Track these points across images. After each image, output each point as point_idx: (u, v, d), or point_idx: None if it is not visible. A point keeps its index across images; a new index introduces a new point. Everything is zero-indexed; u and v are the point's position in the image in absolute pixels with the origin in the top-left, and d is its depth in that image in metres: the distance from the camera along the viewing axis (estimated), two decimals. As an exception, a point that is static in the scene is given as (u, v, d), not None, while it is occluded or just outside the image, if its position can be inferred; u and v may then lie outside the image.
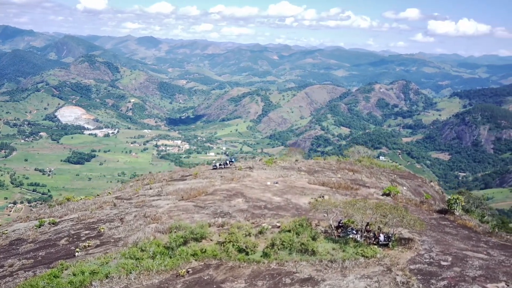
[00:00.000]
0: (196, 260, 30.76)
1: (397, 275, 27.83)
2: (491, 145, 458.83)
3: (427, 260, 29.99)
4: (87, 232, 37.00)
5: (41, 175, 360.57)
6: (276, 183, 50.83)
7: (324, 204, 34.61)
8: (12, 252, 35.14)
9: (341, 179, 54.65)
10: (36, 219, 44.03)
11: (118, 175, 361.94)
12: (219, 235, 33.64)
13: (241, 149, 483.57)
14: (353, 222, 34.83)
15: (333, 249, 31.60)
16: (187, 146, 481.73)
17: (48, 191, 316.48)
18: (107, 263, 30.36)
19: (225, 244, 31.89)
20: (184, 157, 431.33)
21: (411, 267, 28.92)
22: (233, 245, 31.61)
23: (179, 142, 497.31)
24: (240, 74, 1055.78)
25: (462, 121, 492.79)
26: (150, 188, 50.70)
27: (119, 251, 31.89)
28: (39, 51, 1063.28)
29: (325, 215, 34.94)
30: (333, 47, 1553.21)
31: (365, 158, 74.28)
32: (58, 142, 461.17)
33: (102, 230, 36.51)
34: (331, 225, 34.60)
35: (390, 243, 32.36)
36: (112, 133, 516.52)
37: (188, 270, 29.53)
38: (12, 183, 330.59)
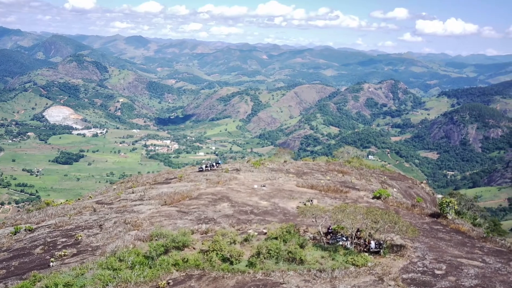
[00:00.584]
0: (177, 270, 29.06)
1: (389, 285, 26.40)
2: (479, 144, 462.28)
3: (420, 268, 28.61)
4: (64, 240, 35.07)
5: (29, 176, 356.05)
6: (264, 186, 49.22)
7: (312, 210, 33.08)
8: (-17, 262, 33.12)
9: (330, 182, 53.21)
10: (12, 226, 41.96)
11: (107, 175, 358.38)
12: (202, 243, 31.96)
13: (230, 148, 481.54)
14: (342, 228, 33.37)
15: (322, 257, 30.11)
16: (176, 146, 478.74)
17: (36, 191, 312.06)
18: (82, 274, 28.54)
19: (208, 252, 30.24)
20: (174, 157, 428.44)
21: (404, 276, 27.52)
22: (217, 254, 29.97)
23: (168, 142, 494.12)
24: (230, 74, 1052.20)
25: (450, 120, 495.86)
26: (133, 192, 48.79)
27: (96, 261, 30.09)
28: (26, 51, 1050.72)
29: (314, 220, 33.43)
30: (322, 47, 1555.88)
31: (355, 158, 73.00)
32: (46, 142, 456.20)
33: (80, 237, 34.63)
34: (320, 232, 33.10)
35: (381, 250, 30.95)
36: (101, 133, 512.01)
37: (169, 281, 27.84)
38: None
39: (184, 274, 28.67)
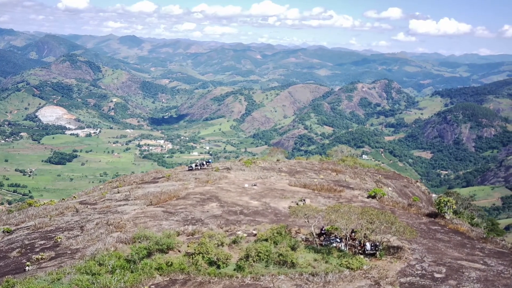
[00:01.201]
0: (160, 274, 27.24)
1: (386, 290, 24.77)
2: (472, 143, 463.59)
3: (419, 272, 26.98)
4: (42, 242, 33.17)
5: (22, 176, 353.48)
6: (255, 185, 47.46)
7: (305, 209, 31.33)
8: (-44, 267, 31.16)
9: (323, 181, 51.54)
10: (-9, 227, 39.92)
11: (100, 176, 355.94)
12: (188, 246, 30.15)
13: (224, 148, 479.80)
14: (336, 229, 31.69)
15: (315, 260, 28.42)
16: (170, 146, 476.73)
17: (29, 192, 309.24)
18: (59, 279, 26.63)
19: (194, 255, 28.43)
20: (167, 157, 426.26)
21: (402, 280, 25.88)
22: (203, 257, 28.18)
23: (162, 141, 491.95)
24: (223, 73, 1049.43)
25: (443, 120, 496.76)
26: (118, 192, 46.88)
27: (74, 264, 28.19)
28: (19, 51, 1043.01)
29: (306, 221, 31.71)
30: (316, 47, 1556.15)
31: (349, 157, 71.44)
32: (39, 142, 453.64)
33: (59, 240, 32.74)
34: (312, 233, 31.40)
35: (377, 252, 29.30)
36: (94, 133, 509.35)
37: (151, 286, 26.03)
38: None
39: (168, 278, 26.87)
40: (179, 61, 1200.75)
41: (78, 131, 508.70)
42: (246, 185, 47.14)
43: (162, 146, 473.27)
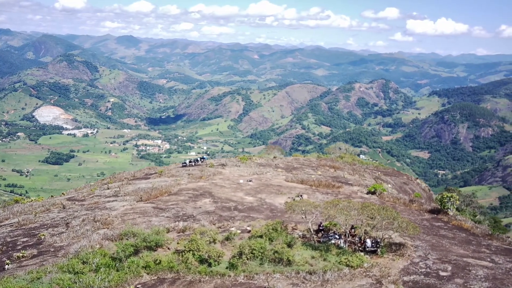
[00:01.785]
0: (148, 273, 25.54)
1: (389, 289, 23.15)
2: (469, 143, 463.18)
3: (423, 269, 25.36)
4: (25, 239, 31.41)
5: (19, 176, 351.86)
6: (250, 181, 45.79)
7: (302, 204, 29.64)
8: None
9: (321, 177, 49.92)
10: (-26, 225, 38.13)
11: (97, 176, 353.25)
12: (178, 243, 28.46)
13: (222, 148, 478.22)
14: (335, 225, 30.06)
15: (313, 257, 26.77)
16: (167, 146, 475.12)
17: (26, 192, 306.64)
18: (39, 278, 24.89)
19: (184, 253, 26.75)
20: (165, 157, 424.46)
21: (405, 279, 24.26)
22: (194, 254, 26.51)
23: (159, 141, 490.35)
24: (221, 73, 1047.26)
25: (441, 120, 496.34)
26: (108, 188, 45.13)
27: (57, 262, 26.47)
28: (16, 51, 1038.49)
29: (303, 217, 30.06)
30: (313, 47, 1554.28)
31: (347, 154, 69.82)
32: (36, 143, 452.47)
33: (43, 237, 30.99)
34: (310, 229, 29.74)
35: (378, 250, 27.68)
36: (91, 133, 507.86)
37: (138, 286, 24.35)
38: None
39: (156, 277, 25.19)
40: (177, 61, 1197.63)
41: (75, 131, 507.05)
42: (241, 181, 45.48)
43: (159, 146, 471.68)
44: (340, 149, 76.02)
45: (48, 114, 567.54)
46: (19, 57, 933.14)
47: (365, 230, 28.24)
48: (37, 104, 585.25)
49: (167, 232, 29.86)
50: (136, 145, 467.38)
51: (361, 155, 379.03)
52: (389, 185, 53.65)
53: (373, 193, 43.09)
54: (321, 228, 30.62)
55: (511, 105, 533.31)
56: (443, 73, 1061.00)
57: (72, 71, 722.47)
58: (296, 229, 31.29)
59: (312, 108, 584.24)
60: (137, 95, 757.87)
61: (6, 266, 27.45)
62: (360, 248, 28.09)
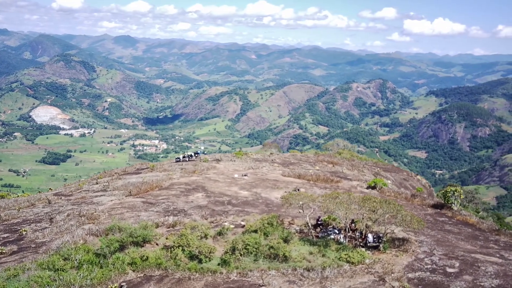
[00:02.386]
0: (134, 270, 23.80)
1: (393, 286, 21.46)
2: (467, 142, 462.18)
3: (429, 266, 23.70)
4: (6, 235, 29.62)
5: (16, 176, 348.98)
6: (245, 175, 44.04)
7: (299, 197, 27.88)
8: None
9: (319, 171, 48.21)
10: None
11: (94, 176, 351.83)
12: (167, 238, 26.71)
13: (219, 148, 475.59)
14: (334, 220, 28.38)
15: (310, 253, 25.08)
16: (164, 146, 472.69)
17: (23, 192, 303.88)
18: (16, 276, 23.18)
19: (173, 249, 25.00)
20: (162, 157, 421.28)
21: (410, 275, 22.60)
22: (183, 250, 24.77)
23: (156, 141, 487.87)
24: (218, 73, 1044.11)
25: (438, 119, 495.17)
26: (97, 183, 43.36)
27: (37, 259, 24.70)
28: (13, 51, 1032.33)
29: (301, 211, 28.34)
30: (310, 47, 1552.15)
31: (346, 150, 68.11)
32: (33, 143, 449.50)
33: (24, 232, 29.21)
34: (307, 223, 28.00)
35: (380, 245, 26.00)
36: (88, 133, 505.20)
37: (122, 284, 22.60)
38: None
39: (142, 275, 23.45)
40: (174, 61, 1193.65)
41: (72, 131, 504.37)
42: (236, 175, 43.73)
43: (156, 146, 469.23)
44: (338, 145, 74.27)
45: (45, 114, 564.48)
46: (16, 57, 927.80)
47: (366, 224, 26.55)
48: (34, 104, 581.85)
49: (156, 227, 28.12)
50: (133, 145, 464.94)
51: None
52: (389, 181, 51.96)
53: (374, 187, 41.42)
54: (319, 222, 28.95)
55: (508, 105, 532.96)
56: (440, 73, 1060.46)
57: (69, 71, 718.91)
58: (293, 224, 29.61)
59: (310, 108, 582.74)
60: (134, 95, 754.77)
61: (-17, 263, 25.69)
62: (361, 244, 26.42)
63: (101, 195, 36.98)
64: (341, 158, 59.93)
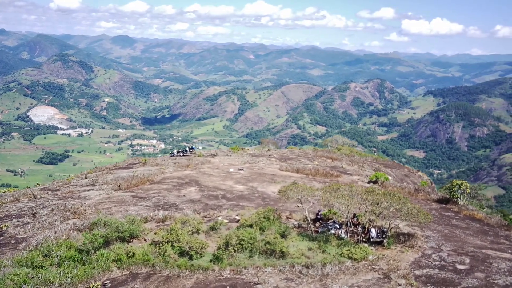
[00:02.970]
0: (119, 268, 22.06)
1: (400, 285, 19.76)
2: (465, 142, 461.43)
3: (437, 262, 22.00)
4: (-15, 231, 27.80)
5: (13, 176, 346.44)
6: (241, 169, 42.29)
7: (297, 189, 26.12)
8: None
9: (318, 166, 46.50)
10: None
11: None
12: (155, 233, 24.96)
13: (217, 148, 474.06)
14: (335, 213, 26.66)
15: (310, 249, 23.38)
16: (162, 146, 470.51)
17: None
18: (-9, 273, 21.41)
19: (162, 245, 23.27)
20: (160, 157, 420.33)
21: (417, 273, 20.91)
22: (173, 246, 23.05)
23: (154, 141, 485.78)
24: (216, 73, 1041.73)
25: (436, 119, 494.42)
26: (86, 178, 41.57)
27: (15, 256, 22.93)
28: (11, 51, 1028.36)
29: (299, 205, 26.62)
30: (308, 47, 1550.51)
31: (345, 146, 66.38)
32: (30, 143, 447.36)
33: (5, 228, 27.42)
34: (306, 218, 26.28)
35: (384, 240, 24.31)
36: (86, 133, 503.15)
37: (105, 282, 20.86)
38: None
39: (128, 272, 21.71)
40: (172, 61, 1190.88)
41: (70, 131, 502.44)
42: (231, 170, 41.97)
43: (154, 146, 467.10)
44: (337, 141, 72.57)
45: (42, 114, 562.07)
46: (13, 57, 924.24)
47: (369, 218, 24.83)
48: (31, 104, 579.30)
49: (145, 222, 26.37)
50: (131, 145, 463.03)
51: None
52: (390, 177, 50.28)
53: (375, 182, 39.71)
54: (319, 216, 27.24)
55: (506, 105, 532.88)
56: (438, 73, 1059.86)
57: (67, 71, 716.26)
58: (291, 218, 27.88)
59: (308, 107, 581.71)
60: (132, 95, 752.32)
61: (-42, 261, 23.89)
62: (364, 239, 24.74)
63: (89, 190, 35.19)
64: (340, 154, 58.23)
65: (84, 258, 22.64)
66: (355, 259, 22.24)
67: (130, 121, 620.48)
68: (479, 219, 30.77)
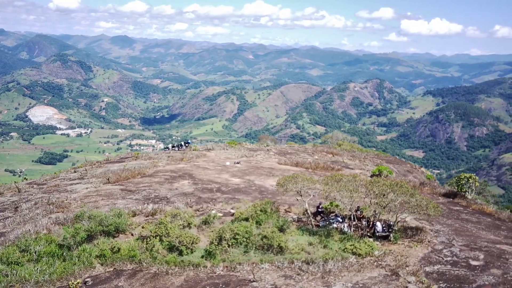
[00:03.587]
0: (102, 264, 20.28)
1: (409, 282, 17.96)
2: (464, 142, 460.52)
3: (449, 258, 20.23)
4: (-37, 227, 25.99)
5: (12, 176, 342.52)
6: (238, 163, 40.49)
7: (297, 180, 24.28)
8: None
9: (318, 160, 44.73)
10: None
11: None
12: (143, 227, 23.16)
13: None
14: (337, 206, 24.86)
15: (310, 244, 21.59)
16: (161, 146, 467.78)
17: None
18: (-38, 271, 19.59)
19: (149, 239, 21.47)
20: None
21: (428, 269, 19.13)
22: (162, 240, 21.26)
23: (153, 141, 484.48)
24: (215, 73, 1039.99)
25: (435, 119, 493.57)
26: (75, 171, 39.78)
27: (-9, 252, 21.11)
28: (10, 51, 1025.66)
29: (298, 199, 24.83)
30: (308, 47, 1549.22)
31: (346, 142, 64.60)
32: (29, 143, 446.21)
33: (-16, 223, 25.58)
34: (307, 211, 24.47)
35: (391, 235, 22.52)
36: (85, 133, 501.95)
37: (86, 280, 19.07)
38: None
39: (112, 269, 19.92)
40: (171, 61, 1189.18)
41: (69, 131, 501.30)
42: (228, 163, 40.18)
43: (153, 146, 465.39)
44: (337, 137, 70.74)
45: (41, 114, 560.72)
46: (12, 57, 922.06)
47: (374, 211, 23.01)
48: (30, 104, 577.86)
49: (133, 216, 24.58)
50: (130, 145, 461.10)
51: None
52: (393, 173, 48.50)
53: (378, 175, 37.89)
54: (320, 210, 25.45)
55: (505, 105, 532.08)
56: (437, 73, 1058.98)
57: (66, 71, 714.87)
58: (289, 212, 26.10)
59: (307, 107, 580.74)
60: (131, 95, 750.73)
61: None
62: (369, 233, 22.97)
63: (77, 183, 33.36)
64: (341, 150, 56.48)
65: (64, 253, 20.86)
66: (359, 255, 20.49)
67: (129, 121, 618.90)
68: (489, 214, 29.01)
